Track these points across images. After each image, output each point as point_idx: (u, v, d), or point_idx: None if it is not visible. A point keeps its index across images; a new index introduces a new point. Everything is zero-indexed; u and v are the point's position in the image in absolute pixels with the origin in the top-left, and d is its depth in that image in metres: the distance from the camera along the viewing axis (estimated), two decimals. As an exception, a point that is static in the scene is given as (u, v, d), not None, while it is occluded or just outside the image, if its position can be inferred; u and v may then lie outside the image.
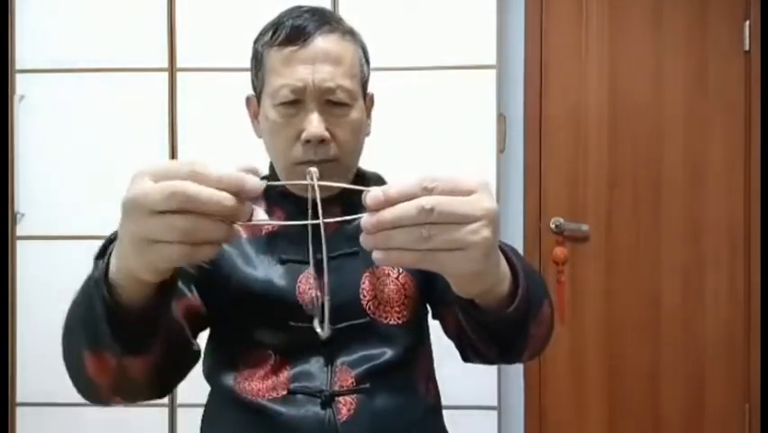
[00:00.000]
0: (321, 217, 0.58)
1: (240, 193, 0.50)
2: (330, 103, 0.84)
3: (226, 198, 0.49)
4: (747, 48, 2.15)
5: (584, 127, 2.20)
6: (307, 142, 0.82)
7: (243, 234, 0.88)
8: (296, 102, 0.84)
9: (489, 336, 0.69)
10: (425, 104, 1.92)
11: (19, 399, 1.96)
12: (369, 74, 0.93)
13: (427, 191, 0.50)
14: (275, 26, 0.86)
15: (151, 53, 1.96)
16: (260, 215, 0.54)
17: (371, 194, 0.51)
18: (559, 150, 2.21)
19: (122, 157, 1.96)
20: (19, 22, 1.98)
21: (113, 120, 1.97)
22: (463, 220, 0.51)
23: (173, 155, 1.96)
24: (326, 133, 0.83)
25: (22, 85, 1.98)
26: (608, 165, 2.19)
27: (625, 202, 2.19)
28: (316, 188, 0.60)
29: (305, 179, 0.85)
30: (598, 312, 2.20)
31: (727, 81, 2.17)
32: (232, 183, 0.50)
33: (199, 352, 0.79)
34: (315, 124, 0.82)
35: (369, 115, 0.95)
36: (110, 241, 0.61)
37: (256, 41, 0.90)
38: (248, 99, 0.96)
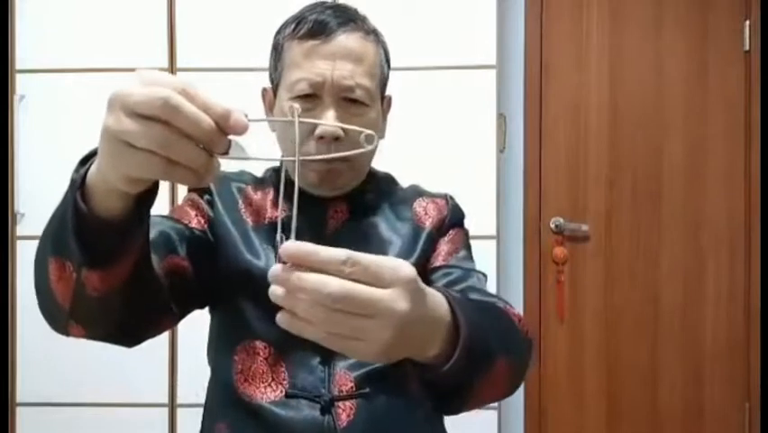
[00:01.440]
0: (297, 156, 0.55)
1: (223, 125, 0.49)
2: (347, 101, 0.83)
3: (206, 122, 0.48)
4: (747, 48, 2.15)
5: (584, 127, 2.20)
6: (321, 138, 0.81)
7: (213, 184, 0.88)
8: (313, 97, 0.82)
9: (424, 384, 0.67)
10: (425, 104, 1.92)
11: (19, 399, 1.96)
12: (388, 76, 0.92)
13: (345, 273, 0.48)
14: (297, 20, 0.85)
15: (151, 53, 1.96)
16: (238, 151, 0.52)
17: (288, 245, 0.48)
18: (559, 150, 2.21)
19: (122, 157, 1.96)
20: (19, 22, 1.98)
21: (113, 120, 1.96)
22: (370, 315, 0.49)
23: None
24: (341, 132, 0.81)
25: (22, 85, 1.98)
26: (607, 165, 2.19)
27: (624, 202, 2.19)
28: (296, 126, 0.57)
29: (317, 175, 0.84)
30: (597, 312, 2.20)
31: (727, 81, 2.17)
32: (217, 111, 0.49)
33: (176, 315, 0.77)
34: (330, 121, 0.81)
35: (385, 118, 0.94)
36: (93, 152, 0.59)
37: (277, 33, 0.89)
38: (264, 91, 0.94)
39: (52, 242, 0.62)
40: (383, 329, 0.50)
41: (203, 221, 0.87)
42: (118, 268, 0.61)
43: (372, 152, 0.89)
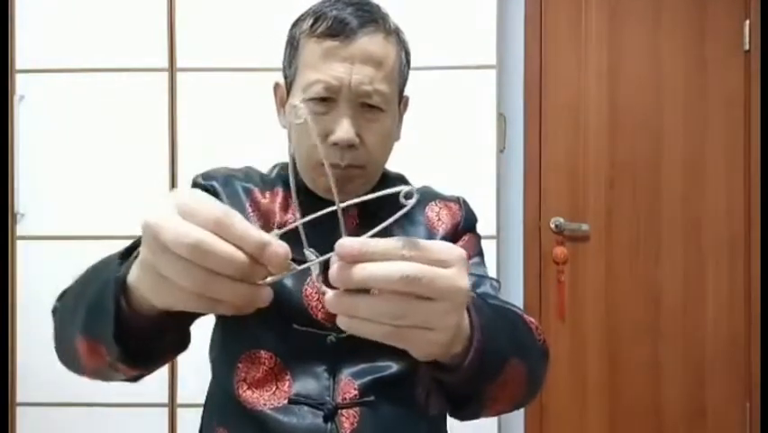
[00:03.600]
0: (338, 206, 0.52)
1: (258, 258, 0.47)
2: (364, 106, 0.80)
3: (239, 261, 0.46)
4: (747, 47, 2.15)
5: (584, 127, 2.20)
6: (335, 144, 0.79)
7: (219, 185, 0.86)
8: (328, 100, 0.79)
9: (440, 388, 0.66)
10: (425, 104, 1.92)
11: (19, 399, 1.96)
12: (408, 76, 0.89)
13: (406, 258, 0.46)
14: (316, 15, 0.81)
15: (151, 53, 1.96)
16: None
17: (343, 243, 0.46)
18: (559, 150, 2.21)
19: (122, 157, 1.96)
20: (19, 22, 1.98)
21: (113, 120, 1.96)
22: (439, 297, 0.47)
23: (173, 155, 1.96)
24: (356, 139, 0.79)
25: (22, 85, 1.98)
26: (607, 165, 2.19)
27: (624, 202, 2.19)
28: (309, 121, 0.55)
29: (325, 178, 0.79)
30: (598, 312, 2.20)
31: (727, 80, 2.17)
32: (251, 244, 0.46)
33: (188, 344, 0.76)
34: (345, 128, 0.78)
35: (401, 119, 0.92)
36: (137, 244, 0.58)
37: (293, 27, 0.85)
38: (276, 86, 0.91)
39: (86, 324, 0.60)
40: (451, 313, 0.49)
41: None
42: (158, 365, 0.63)
43: (387, 158, 0.88)
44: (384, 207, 0.92)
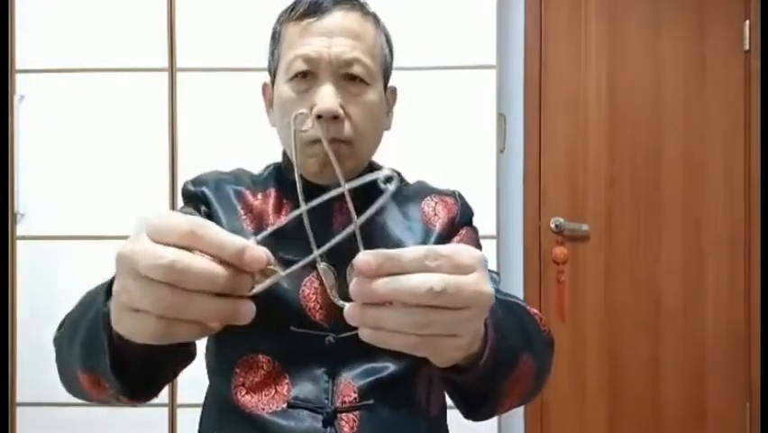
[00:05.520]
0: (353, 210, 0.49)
1: (239, 264, 0.44)
2: (346, 78, 0.79)
3: (219, 275, 0.44)
4: (747, 48, 2.15)
5: (584, 127, 2.20)
6: (319, 117, 0.77)
7: (209, 191, 0.84)
8: (309, 75, 0.79)
9: (453, 390, 0.65)
10: (425, 104, 1.92)
11: (19, 399, 1.96)
12: (391, 64, 0.88)
13: (430, 269, 0.45)
14: (294, 3, 0.83)
15: (151, 53, 1.96)
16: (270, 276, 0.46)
17: (361, 258, 0.44)
18: (559, 150, 2.21)
19: (122, 157, 1.96)
20: (19, 22, 1.98)
21: (113, 120, 1.96)
22: (464, 305, 0.46)
23: (173, 155, 1.96)
24: (340, 110, 0.77)
25: (22, 85, 1.98)
26: (607, 165, 2.20)
27: (624, 202, 2.19)
28: (293, 131, 0.52)
29: (317, 161, 0.78)
30: (598, 312, 2.20)
31: (727, 81, 2.17)
32: (230, 252, 0.44)
33: (195, 355, 0.75)
34: (328, 98, 0.77)
35: (390, 110, 0.91)
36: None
37: (275, 23, 0.86)
38: (264, 86, 0.91)
39: (82, 359, 0.60)
40: (476, 318, 0.48)
41: None
42: (158, 391, 0.62)
43: (376, 141, 0.86)
44: (376, 195, 0.90)
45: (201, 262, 0.43)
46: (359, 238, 0.48)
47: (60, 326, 0.71)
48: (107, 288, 0.56)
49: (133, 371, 0.58)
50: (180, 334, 0.46)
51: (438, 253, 0.46)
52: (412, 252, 0.46)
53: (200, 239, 0.44)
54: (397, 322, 0.45)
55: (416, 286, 0.44)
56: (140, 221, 0.46)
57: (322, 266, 0.50)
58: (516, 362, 0.63)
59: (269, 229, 0.51)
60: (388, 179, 0.47)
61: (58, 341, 0.68)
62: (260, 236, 0.48)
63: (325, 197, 0.47)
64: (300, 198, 0.50)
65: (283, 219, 0.50)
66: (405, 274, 0.45)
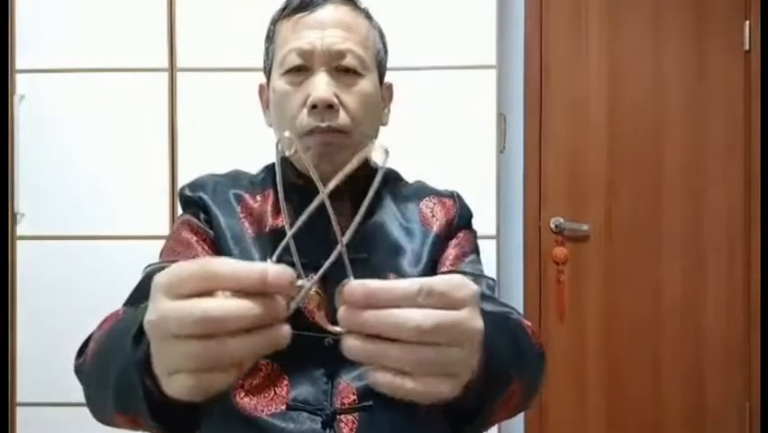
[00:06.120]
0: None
1: (266, 290, 0.42)
2: (340, 70, 0.80)
3: (251, 307, 0.42)
4: (747, 47, 2.15)
5: (584, 127, 2.20)
6: (314, 107, 0.77)
7: (207, 196, 0.83)
8: (303, 68, 0.80)
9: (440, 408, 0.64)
10: (424, 104, 1.92)
11: (19, 399, 1.96)
12: (386, 59, 0.89)
13: (419, 305, 0.43)
14: (286, 2, 0.84)
15: (151, 53, 1.96)
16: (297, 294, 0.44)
17: (349, 287, 0.43)
18: (559, 150, 2.21)
19: (122, 157, 1.96)
20: (19, 22, 1.98)
21: (113, 120, 1.96)
22: (458, 342, 0.45)
23: (173, 155, 1.96)
24: (334, 99, 0.78)
25: (22, 85, 1.98)
26: (607, 165, 2.19)
27: (625, 202, 2.19)
28: (285, 154, 0.50)
29: (314, 152, 0.78)
30: (598, 312, 2.20)
31: (727, 81, 2.17)
32: (252, 280, 0.42)
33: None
34: (322, 87, 0.77)
35: (386, 106, 0.91)
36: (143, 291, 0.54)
37: (269, 24, 0.87)
38: (260, 88, 0.91)
39: (116, 402, 0.58)
40: (472, 354, 0.47)
41: (206, 246, 0.83)
42: (198, 426, 0.61)
43: (372, 133, 0.86)
44: (378, 198, 0.86)
45: (229, 303, 0.42)
46: (347, 262, 0.46)
47: (81, 352, 0.70)
48: (135, 333, 0.53)
49: (175, 415, 0.56)
50: (217, 383, 0.43)
51: (430, 288, 0.44)
52: (405, 285, 0.44)
53: (216, 278, 0.42)
54: (401, 359, 0.44)
55: (405, 324, 0.43)
56: (153, 285, 0.44)
57: (314, 289, 0.48)
58: (507, 382, 0.62)
59: (281, 245, 0.48)
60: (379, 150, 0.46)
61: (86, 376, 0.66)
62: (274, 255, 0.46)
63: (311, 207, 0.46)
64: (322, 188, 0.48)
65: (295, 224, 0.48)
66: (395, 308, 0.43)
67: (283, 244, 0.47)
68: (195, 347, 0.42)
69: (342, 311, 0.44)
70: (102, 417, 0.65)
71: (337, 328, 0.46)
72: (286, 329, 0.44)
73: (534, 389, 0.69)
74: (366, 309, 0.43)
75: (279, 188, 0.50)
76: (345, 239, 0.45)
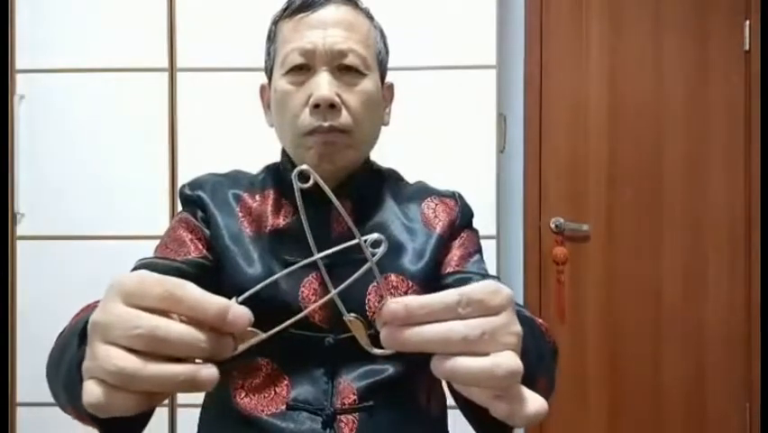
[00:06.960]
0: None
1: (220, 327, 0.42)
2: (342, 69, 0.80)
3: (201, 339, 0.41)
4: (747, 48, 2.15)
5: (584, 127, 2.20)
6: (316, 106, 0.78)
7: (206, 195, 0.84)
8: (305, 68, 0.80)
9: (470, 414, 0.63)
10: (424, 104, 1.92)
11: (19, 399, 1.96)
12: (387, 59, 0.89)
13: (461, 316, 0.43)
14: (288, 2, 0.84)
15: (151, 53, 1.96)
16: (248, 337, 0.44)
17: (387, 308, 0.43)
18: (559, 150, 2.21)
19: (122, 157, 1.96)
20: (19, 22, 1.98)
21: (113, 120, 1.96)
22: (502, 350, 0.45)
23: (173, 155, 1.96)
24: (336, 98, 0.78)
25: (22, 85, 1.98)
26: (608, 165, 2.19)
27: (625, 202, 2.19)
28: (296, 184, 0.48)
29: (315, 152, 0.78)
30: (598, 312, 2.20)
31: (728, 81, 2.17)
32: (209, 314, 0.41)
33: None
34: (324, 86, 0.77)
35: (387, 106, 0.91)
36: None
37: (270, 24, 0.87)
38: (261, 88, 0.91)
39: (67, 397, 0.57)
40: (515, 357, 0.46)
41: (201, 245, 0.82)
42: (141, 429, 0.60)
43: (374, 133, 0.86)
44: (379, 198, 0.86)
45: (180, 327, 0.41)
46: (378, 277, 0.46)
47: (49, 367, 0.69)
48: (81, 330, 0.52)
49: (116, 421, 0.53)
50: (118, 405, 0.41)
51: (469, 298, 0.44)
52: (445, 298, 0.44)
53: (179, 301, 0.41)
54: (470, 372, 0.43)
55: (449, 335, 0.43)
56: (112, 285, 0.43)
57: (351, 317, 0.48)
58: (534, 383, 0.60)
59: (251, 290, 0.47)
60: (377, 244, 0.45)
61: (47, 369, 0.66)
62: (241, 297, 0.45)
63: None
64: (334, 191, 0.49)
65: (272, 278, 0.48)
66: (436, 324, 0.43)
67: (306, 262, 0.48)
68: (119, 360, 0.40)
69: (384, 332, 0.44)
70: (62, 409, 0.65)
71: (378, 351, 0.45)
72: (212, 372, 0.42)
73: (552, 387, 0.70)
74: (406, 327, 0.43)
75: (303, 217, 0.48)
76: (339, 289, 0.46)
